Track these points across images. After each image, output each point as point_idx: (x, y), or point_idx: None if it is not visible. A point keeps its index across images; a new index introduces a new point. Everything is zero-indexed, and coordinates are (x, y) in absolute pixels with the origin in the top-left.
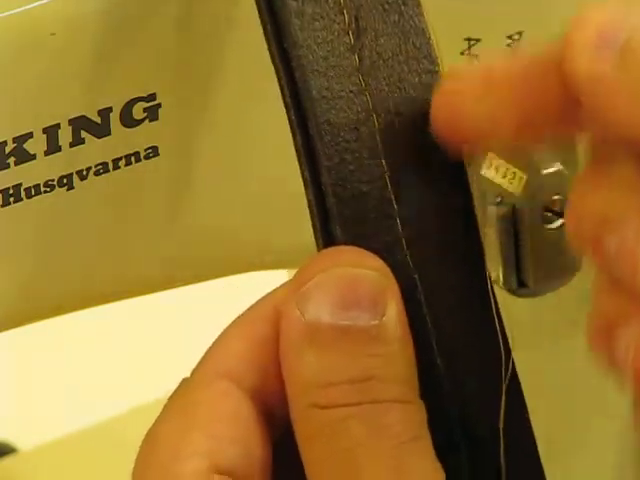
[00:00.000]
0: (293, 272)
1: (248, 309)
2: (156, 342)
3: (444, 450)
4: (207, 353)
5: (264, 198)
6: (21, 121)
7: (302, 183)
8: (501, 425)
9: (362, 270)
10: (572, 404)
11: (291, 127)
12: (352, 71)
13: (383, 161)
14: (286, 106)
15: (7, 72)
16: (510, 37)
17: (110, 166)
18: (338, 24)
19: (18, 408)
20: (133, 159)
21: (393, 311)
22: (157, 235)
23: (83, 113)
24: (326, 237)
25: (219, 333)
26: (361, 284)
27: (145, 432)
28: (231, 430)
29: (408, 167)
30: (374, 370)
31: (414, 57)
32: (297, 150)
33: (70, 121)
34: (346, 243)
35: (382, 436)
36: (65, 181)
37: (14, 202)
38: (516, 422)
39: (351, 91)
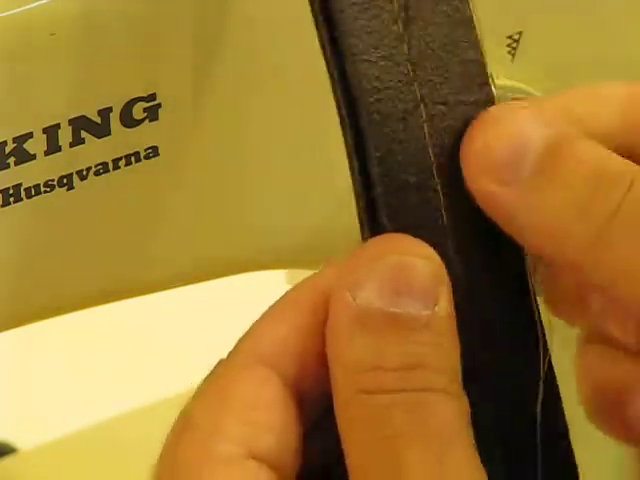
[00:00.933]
0: (293, 272)
1: (288, 292)
2: (156, 342)
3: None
4: (246, 335)
5: (264, 198)
6: (21, 121)
7: (302, 183)
8: (539, 419)
9: (414, 258)
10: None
11: (341, 119)
12: (401, 60)
13: (430, 151)
14: (336, 99)
15: (7, 72)
16: (510, 37)
17: (110, 166)
18: (388, 12)
19: (18, 408)
20: (133, 159)
21: (445, 301)
22: (157, 235)
23: (83, 113)
24: (374, 228)
25: (219, 333)
26: (413, 272)
27: (145, 432)
28: (267, 417)
29: (455, 157)
30: (423, 358)
31: (462, 47)
32: (346, 143)
33: (70, 121)
34: (389, 229)
35: (426, 425)
36: (65, 181)
37: (14, 202)
38: (552, 414)
39: (400, 81)
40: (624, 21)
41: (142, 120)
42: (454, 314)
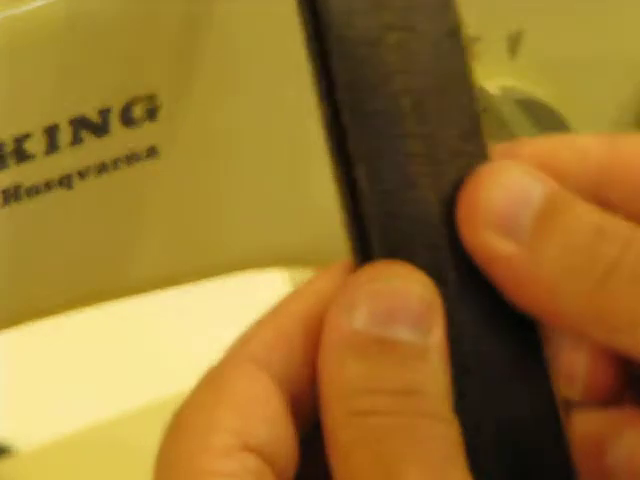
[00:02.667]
0: (293, 272)
1: (281, 301)
2: (156, 342)
3: None
4: (238, 340)
5: (264, 197)
6: (21, 121)
7: (302, 183)
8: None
9: (409, 283)
10: None
11: (308, 47)
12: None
13: (399, 77)
14: (304, 23)
15: (7, 72)
16: (510, 37)
17: (110, 166)
18: None
19: (18, 408)
20: (133, 159)
21: (439, 329)
22: (156, 235)
23: (83, 113)
24: (342, 155)
25: (219, 333)
26: (408, 298)
27: (145, 433)
28: (261, 411)
29: (425, 82)
30: (418, 385)
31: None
32: (313, 68)
33: (70, 121)
34: (361, 158)
35: (424, 448)
36: (65, 181)
37: (14, 202)
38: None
39: (369, 7)
40: (624, 21)
41: (142, 120)
42: (446, 341)
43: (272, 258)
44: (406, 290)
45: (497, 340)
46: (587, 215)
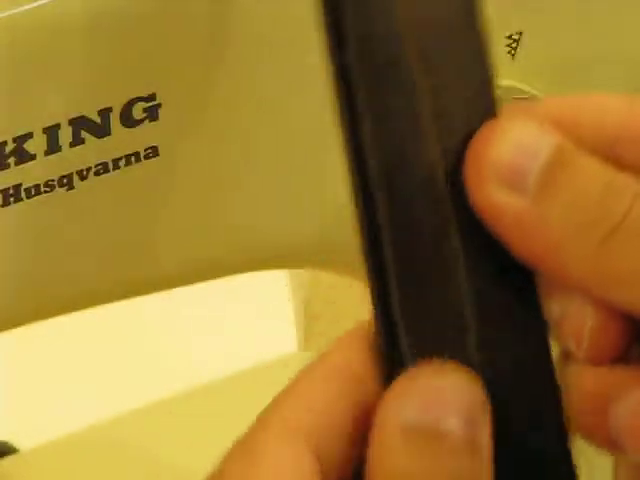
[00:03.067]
0: (293, 272)
1: (319, 362)
2: (156, 342)
3: None
4: (279, 400)
5: (264, 197)
6: (21, 121)
7: (303, 183)
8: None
9: (458, 381)
10: None
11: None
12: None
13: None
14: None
15: (7, 72)
16: (510, 37)
17: (110, 166)
18: None
19: (18, 408)
20: (133, 159)
21: (486, 425)
22: (157, 235)
23: (83, 113)
24: (348, 110)
25: (219, 333)
26: (461, 395)
27: (145, 433)
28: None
29: (437, 34)
30: (467, 477)
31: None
32: (321, 18)
33: (70, 121)
34: (367, 111)
35: None
36: (65, 181)
37: (14, 202)
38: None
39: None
40: (624, 21)
41: (142, 120)
42: (492, 440)
43: (272, 259)
44: (458, 387)
45: (496, 291)
46: (595, 170)
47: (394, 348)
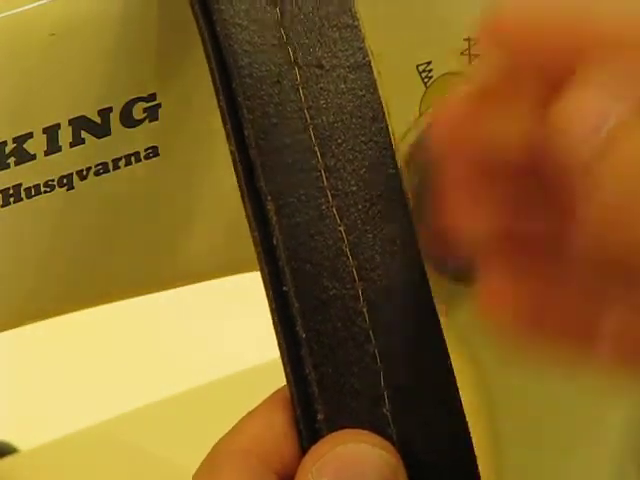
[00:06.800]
0: None
1: (237, 434)
2: (156, 342)
3: None
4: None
5: None
6: (21, 121)
7: None
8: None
9: (374, 449)
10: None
11: (214, 84)
12: (273, 24)
13: (306, 113)
14: (208, 60)
15: (7, 72)
16: None
17: (110, 166)
18: None
19: (18, 408)
20: (133, 159)
21: None
22: (157, 235)
23: (83, 113)
24: (252, 191)
25: (219, 333)
26: (374, 462)
27: (145, 433)
28: None
29: (332, 117)
30: None
31: (334, 12)
32: (220, 106)
33: (70, 121)
34: (270, 192)
35: None
36: (65, 181)
37: (14, 202)
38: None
39: (273, 44)
40: None
41: (142, 120)
42: None
43: None
44: (372, 454)
45: (408, 361)
46: None
47: (310, 417)
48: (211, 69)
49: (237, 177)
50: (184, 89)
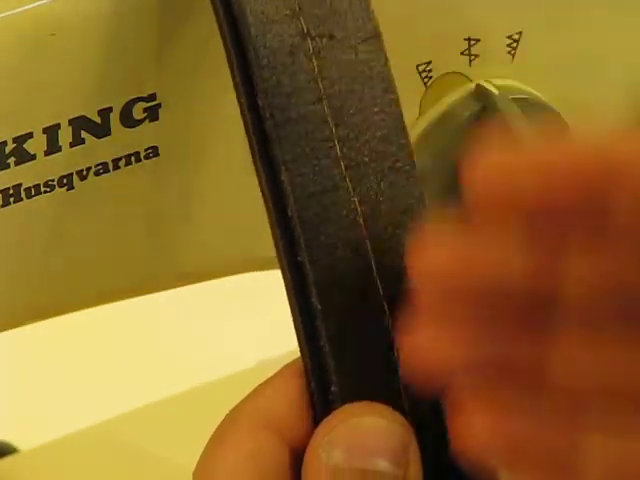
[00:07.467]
0: None
1: (247, 406)
2: (156, 342)
3: None
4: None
5: None
6: (21, 121)
7: None
8: None
9: (387, 421)
10: None
11: (228, 58)
12: None
13: (320, 84)
14: (222, 33)
15: (7, 72)
16: (510, 37)
17: (110, 166)
18: None
19: (18, 408)
20: (133, 159)
21: (416, 462)
22: (156, 235)
23: (83, 113)
24: (266, 162)
25: (219, 333)
26: (386, 435)
27: (145, 433)
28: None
29: (345, 87)
30: None
31: None
32: (234, 76)
33: (70, 121)
34: (285, 162)
35: None
36: (65, 181)
37: (14, 202)
38: None
39: (286, 15)
40: (624, 21)
41: (142, 120)
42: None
43: (272, 258)
44: (381, 427)
45: None
46: None
47: (324, 389)
48: (225, 42)
49: (251, 149)
50: (184, 89)
